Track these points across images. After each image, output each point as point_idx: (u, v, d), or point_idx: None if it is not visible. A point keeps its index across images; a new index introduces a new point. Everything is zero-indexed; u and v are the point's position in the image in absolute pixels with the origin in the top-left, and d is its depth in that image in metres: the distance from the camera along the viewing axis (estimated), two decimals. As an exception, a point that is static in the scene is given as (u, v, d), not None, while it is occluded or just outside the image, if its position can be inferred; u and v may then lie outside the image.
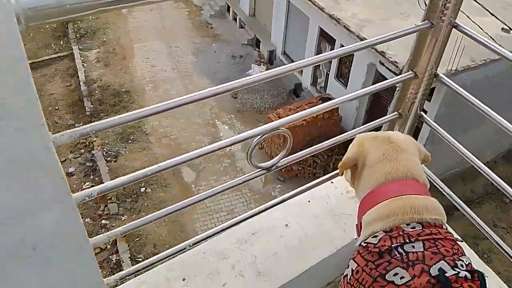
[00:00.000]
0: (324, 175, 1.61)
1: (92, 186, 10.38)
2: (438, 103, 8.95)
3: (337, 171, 1.59)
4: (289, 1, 13.19)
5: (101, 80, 13.62)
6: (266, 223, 1.60)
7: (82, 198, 0.90)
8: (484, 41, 1.21)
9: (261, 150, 11.82)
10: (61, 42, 15.33)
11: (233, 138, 1.12)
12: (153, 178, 10.63)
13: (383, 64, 9.67)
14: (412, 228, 0.96)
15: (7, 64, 0.55)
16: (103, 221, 9.57)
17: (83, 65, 14.23)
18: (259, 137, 1.15)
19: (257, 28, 15.56)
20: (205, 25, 16.49)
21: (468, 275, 0.88)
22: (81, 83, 13.39)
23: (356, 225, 1.16)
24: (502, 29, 8.74)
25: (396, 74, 9.03)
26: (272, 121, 8.96)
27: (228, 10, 16.92)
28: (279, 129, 1.16)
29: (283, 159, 1.27)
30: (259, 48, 15.26)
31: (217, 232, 1.31)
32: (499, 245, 1.44)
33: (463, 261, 0.92)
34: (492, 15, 8.20)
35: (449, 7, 1.22)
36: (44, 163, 0.64)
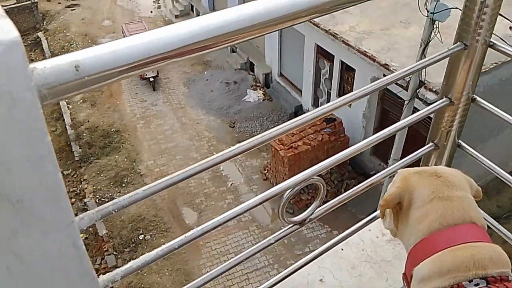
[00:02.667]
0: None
1: (86, 237, 10.27)
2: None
3: (374, 214, 1.54)
4: (281, 20, 13.39)
5: (88, 121, 13.68)
6: (298, 281, 1.54)
7: (105, 285, 0.85)
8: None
9: (265, 181, 11.77)
10: (43, 85, 15.47)
11: (262, 196, 1.07)
12: (152, 224, 10.54)
13: (388, 78, 9.71)
14: (476, 285, 0.89)
15: (31, 163, 0.51)
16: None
17: (68, 107, 14.32)
18: (289, 191, 1.11)
19: (249, 51, 15.74)
20: (194, 53, 16.69)
21: None
22: (67, 126, 13.45)
23: (404, 274, 1.09)
24: (511, 28, 8.82)
25: (403, 87, 9.06)
26: (275, 149, 8.79)
27: (217, 35, 17.17)
28: (312, 178, 1.12)
29: (318, 210, 1.22)
30: (253, 72, 15.40)
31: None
32: None
33: None
34: (500, 15, 8.29)
35: (483, 25, 1.20)
36: (73, 264, 0.59)
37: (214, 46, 0.73)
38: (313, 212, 1.21)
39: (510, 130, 9.60)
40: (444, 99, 1.36)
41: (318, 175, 1.14)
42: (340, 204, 1.29)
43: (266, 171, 11.85)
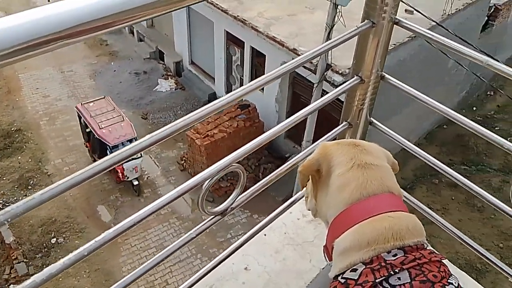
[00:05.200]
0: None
1: (-8, 247, 9.46)
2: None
3: (295, 197, 1.53)
4: (188, 7, 13.14)
5: (-16, 121, 12.53)
6: (223, 271, 1.50)
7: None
8: (430, 35, 1.22)
9: (183, 171, 11.58)
10: None
11: (180, 188, 1.00)
12: (64, 226, 9.96)
13: (297, 62, 9.93)
14: (394, 256, 0.91)
15: None
16: (11, 286, 8.74)
17: (-41, 106, 13.01)
18: (208, 181, 1.05)
19: (158, 39, 15.31)
20: (100, 43, 15.87)
21: None
22: (-41, 128, 12.22)
23: (325, 246, 1.08)
24: (406, 10, 9.34)
25: (311, 71, 9.32)
26: (191, 138, 8.65)
27: (123, 24, 16.44)
28: (231, 165, 1.07)
29: (238, 198, 1.18)
30: (163, 61, 15.01)
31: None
32: (446, 227, 1.47)
33: (452, 283, 0.90)
34: None
35: (388, 2, 1.22)
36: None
37: (115, 25, 0.64)
38: (234, 201, 1.17)
39: (411, 107, 10.28)
40: (355, 77, 1.37)
41: (237, 162, 1.09)
42: (261, 190, 1.25)
43: (183, 161, 11.68)
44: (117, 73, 14.40)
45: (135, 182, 10.69)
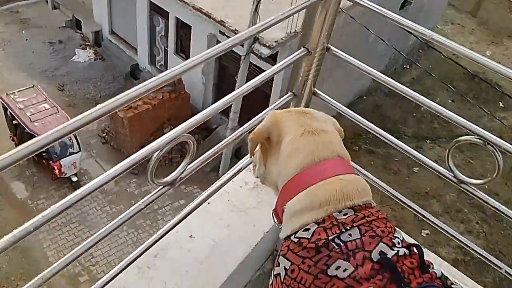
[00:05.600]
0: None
1: None
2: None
3: (239, 167, 1.53)
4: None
5: None
6: (167, 240, 1.48)
7: None
8: (379, 10, 1.26)
9: (105, 144, 11.16)
10: None
11: (129, 160, 0.96)
12: (-29, 204, 9.26)
13: (223, 34, 9.84)
14: (345, 215, 0.95)
15: None
16: None
17: None
18: (158, 152, 1.02)
19: (74, 7, 14.38)
20: (9, 11, 14.60)
21: (407, 251, 0.92)
22: None
23: (274, 210, 1.11)
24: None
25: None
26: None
27: (34, -12, 15.24)
28: (181, 136, 1.04)
29: (188, 168, 1.16)
30: (81, 30, 14.16)
31: (116, 274, 1.15)
32: (382, 187, 1.58)
33: (398, 237, 0.96)
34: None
35: (337, -25, 1.23)
36: None
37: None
38: (184, 170, 1.14)
39: (333, 79, 10.59)
40: (302, 49, 1.38)
41: (188, 133, 1.07)
42: (209, 160, 1.24)
43: (105, 134, 11.24)
44: (29, 43, 13.39)
45: (74, 179, 9.89)
